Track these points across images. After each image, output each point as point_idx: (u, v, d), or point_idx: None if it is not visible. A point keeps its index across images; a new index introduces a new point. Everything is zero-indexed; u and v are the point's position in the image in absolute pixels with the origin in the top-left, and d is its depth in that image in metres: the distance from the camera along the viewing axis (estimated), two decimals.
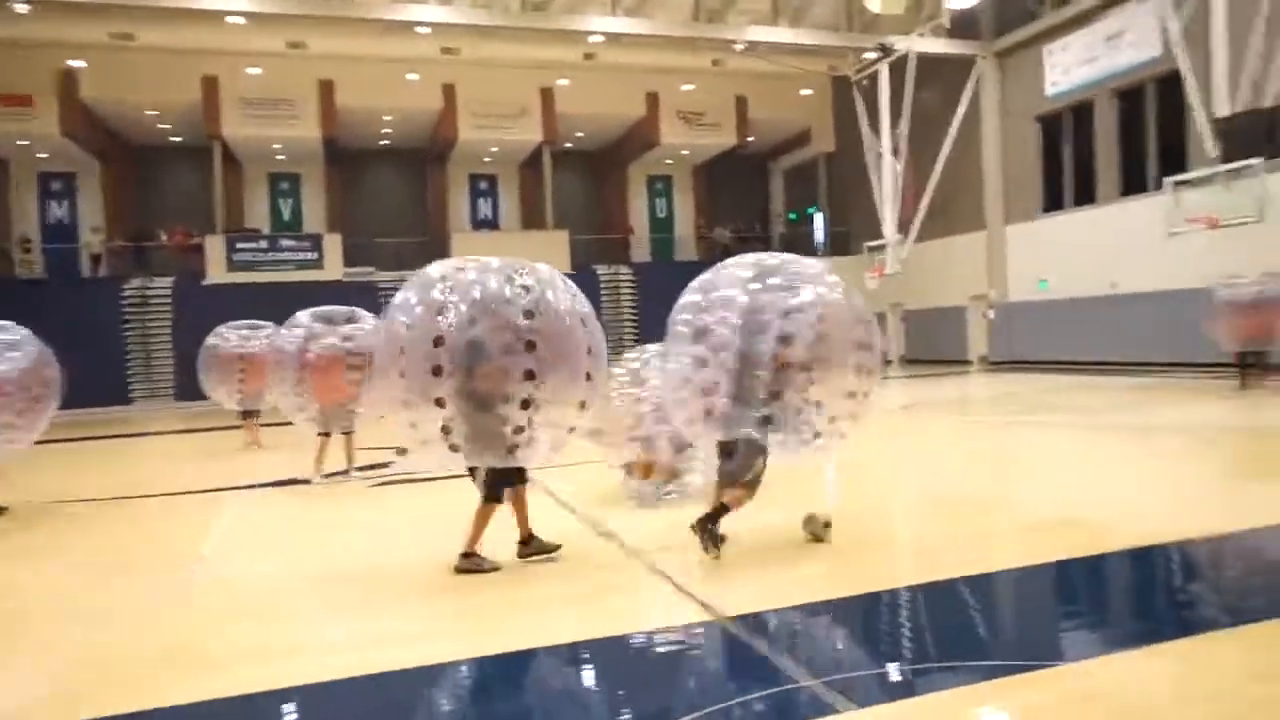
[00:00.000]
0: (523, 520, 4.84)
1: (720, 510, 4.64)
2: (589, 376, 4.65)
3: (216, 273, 22.76)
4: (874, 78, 21.66)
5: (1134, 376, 16.42)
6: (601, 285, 26.81)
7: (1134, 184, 18.52)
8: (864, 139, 22.01)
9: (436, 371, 4.34)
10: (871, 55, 21.44)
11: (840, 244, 28.33)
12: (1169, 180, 13.91)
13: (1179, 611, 3.92)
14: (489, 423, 4.44)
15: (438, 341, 4.37)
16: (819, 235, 30.42)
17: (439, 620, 4.06)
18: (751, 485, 4.71)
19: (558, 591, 4.35)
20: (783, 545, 4.96)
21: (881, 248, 20.97)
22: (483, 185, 29.48)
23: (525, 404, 4.41)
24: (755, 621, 3.72)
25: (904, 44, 20.42)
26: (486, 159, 28.12)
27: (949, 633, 3.71)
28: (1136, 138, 18.67)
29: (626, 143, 29.05)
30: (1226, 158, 12.61)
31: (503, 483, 4.69)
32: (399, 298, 4.67)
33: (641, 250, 29.80)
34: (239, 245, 23.30)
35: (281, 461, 9.65)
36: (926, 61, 21.41)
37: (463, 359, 4.35)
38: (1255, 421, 10.11)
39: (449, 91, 24.76)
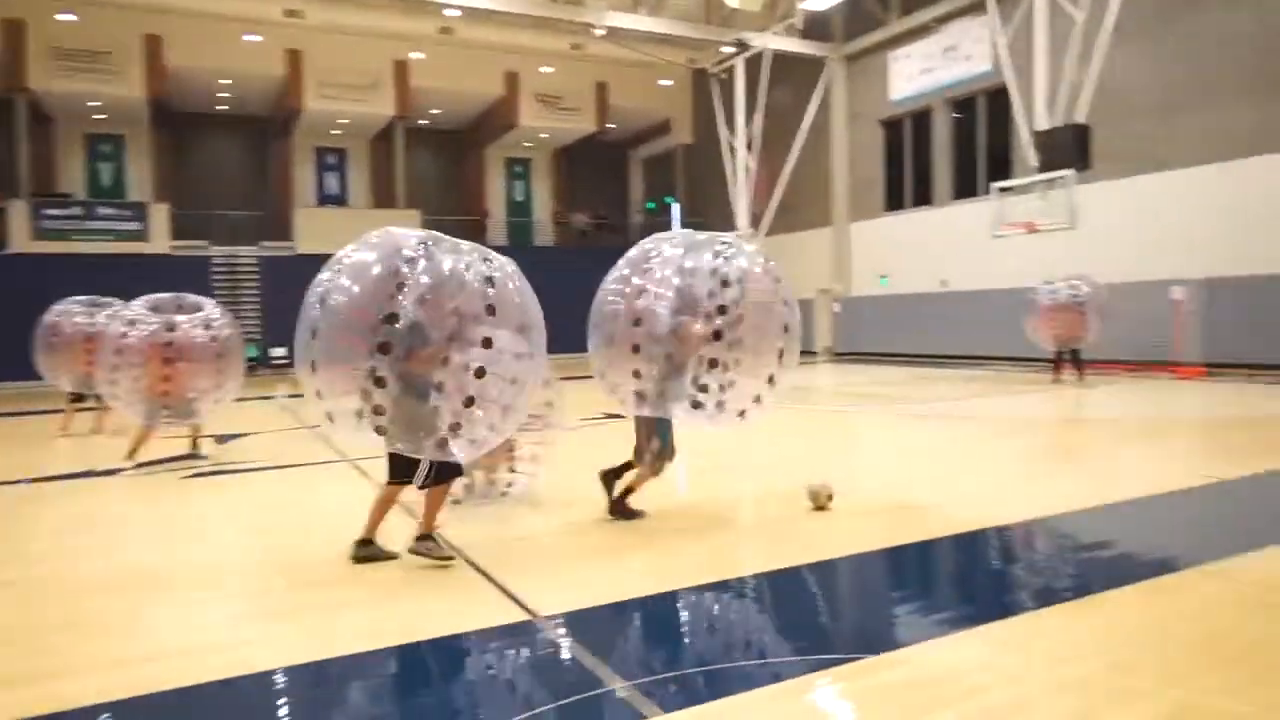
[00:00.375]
0: (430, 516, 4.50)
1: (626, 490, 5.15)
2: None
3: (20, 241, 20.58)
4: (730, 72, 22.05)
5: (963, 369, 17.51)
6: None
7: (965, 188, 19.71)
8: (720, 132, 22.36)
9: (383, 349, 4.00)
10: (729, 50, 21.80)
11: None
12: (995, 186, 14.83)
13: (993, 595, 4.08)
14: (421, 410, 4.14)
15: (391, 318, 4.02)
16: (676, 225, 30.83)
17: (258, 623, 3.73)
18: (654, 463, 5.09)
19: (362, 595, 4.08)
20: (610, 539, 4.88)
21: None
22: (330, 159, 28.05)
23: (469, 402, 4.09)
24: (570, 621, 3.62)
25: (759, 41, 20.87)
26: (335, 131, 26.77)
27: (769, 626, 3.73)
28: (969, 145, 19.86)
29: (485, 123, 28.38)
30: (1044, 168, 13.58)
31: (447, 472, 4.41)
32: (355, 258, 4.19)
33: (498, 233, 29.22)
34: (47, 211, 21.14)
35: (86, 450, 8.82)
36: (781, 60, 21.99)
37: (404, 339, 4.02)
38: (1069, 413, 10.93)
39: (294, 57, 23.36)
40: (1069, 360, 13.50)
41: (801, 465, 7.08)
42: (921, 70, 20.22)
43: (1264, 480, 6.16)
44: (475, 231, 28.17)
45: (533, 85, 26.34)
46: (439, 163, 29.88)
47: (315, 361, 4.10)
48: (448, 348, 4.07)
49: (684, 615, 3.85)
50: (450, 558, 4.45)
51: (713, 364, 4.95)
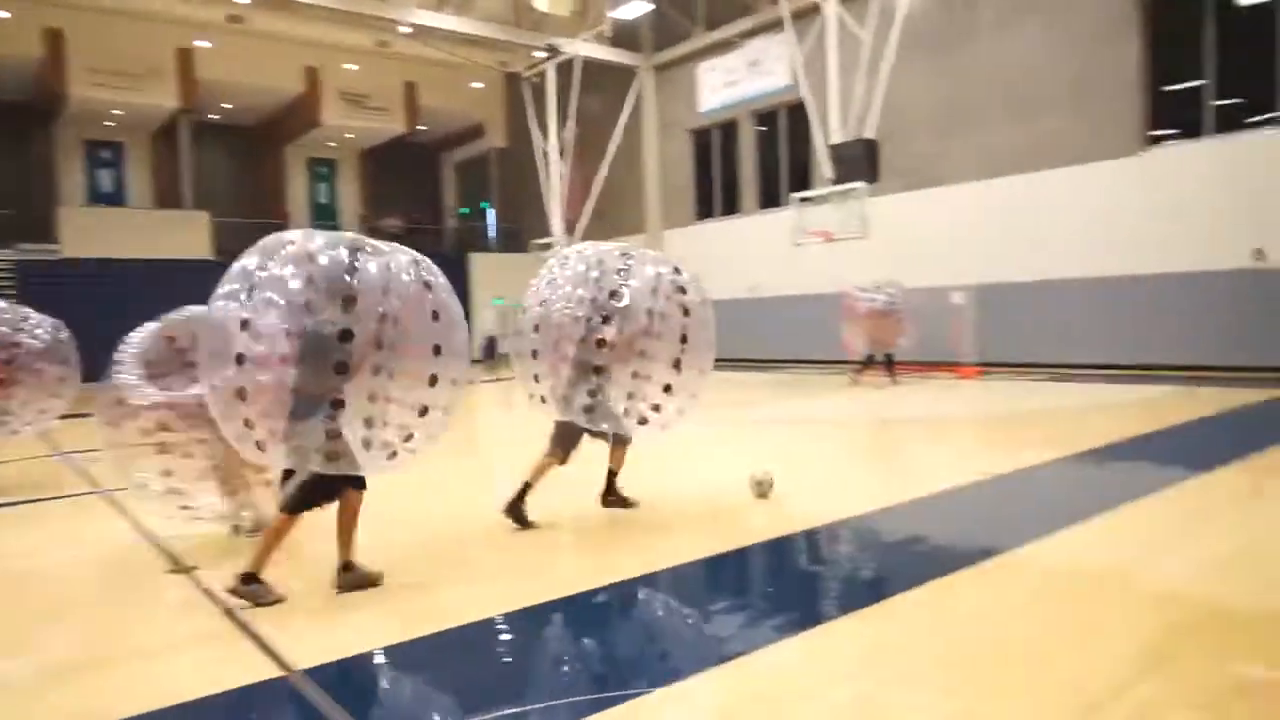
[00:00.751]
0: (345, 543, 4.17)
1: (524, 488, 5.28)
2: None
3: None
4: (543, 77, 21.85)
5: (770, 373, 18.16)
6: None
7: (770, 198, 20.52)
8: (534, 137, 22.11)
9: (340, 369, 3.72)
10: (541, 54, 21.59)
11: (512, 240, 28.38)
12: (795, 197, 15.47)
13: (786, 608, 4.03)
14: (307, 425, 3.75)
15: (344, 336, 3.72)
16: (491, 231, 30.28)
17: None
18: (555, 458, 5.32)
19: (81, 656, 3.51)
20: (392, 573, 4.51)
21: (548, 246, 21.18)
22: (104, 154, 25.36)
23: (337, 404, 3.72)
24: (330, 674, 3.24)
25: (570, 47, 20.80)
26: (108, 123, 24.21)
27: (562, 660, 3.51)
28: (772, 157, 20.70)
29: (284, 120, 26.67)
30: (838, 180, 14.31)
31: (320, 493, 3.97)
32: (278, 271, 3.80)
33: None
34: None
35: None
36: (595, 67, 22.05)
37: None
38: (877, 413, 11.49)
39: (53, 37, 20.91)
40: (882, 363, 14.31)
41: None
42: (727, 83, 20.88)
43: (1034, 472, 6.65)
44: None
45: (336, 82, 25.02)
46: (232, 161, 27.81)
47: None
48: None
49: (452, 660, 3.56)
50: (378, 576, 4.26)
51: (599, 371, 5.08)
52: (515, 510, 5.27)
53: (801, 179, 18.74)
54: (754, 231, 20.64)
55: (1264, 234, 12.95)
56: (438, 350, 3.89)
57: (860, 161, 13.91)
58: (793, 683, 3.05)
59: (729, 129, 21.60)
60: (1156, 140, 14.25)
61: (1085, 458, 7.19)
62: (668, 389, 5.16)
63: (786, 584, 4.45)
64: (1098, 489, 6.19)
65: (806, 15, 16.72)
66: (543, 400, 5.24)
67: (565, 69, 21.16)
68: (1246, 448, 7.10)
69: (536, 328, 5.13)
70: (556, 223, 21.14)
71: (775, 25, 18.64)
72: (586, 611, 3.95)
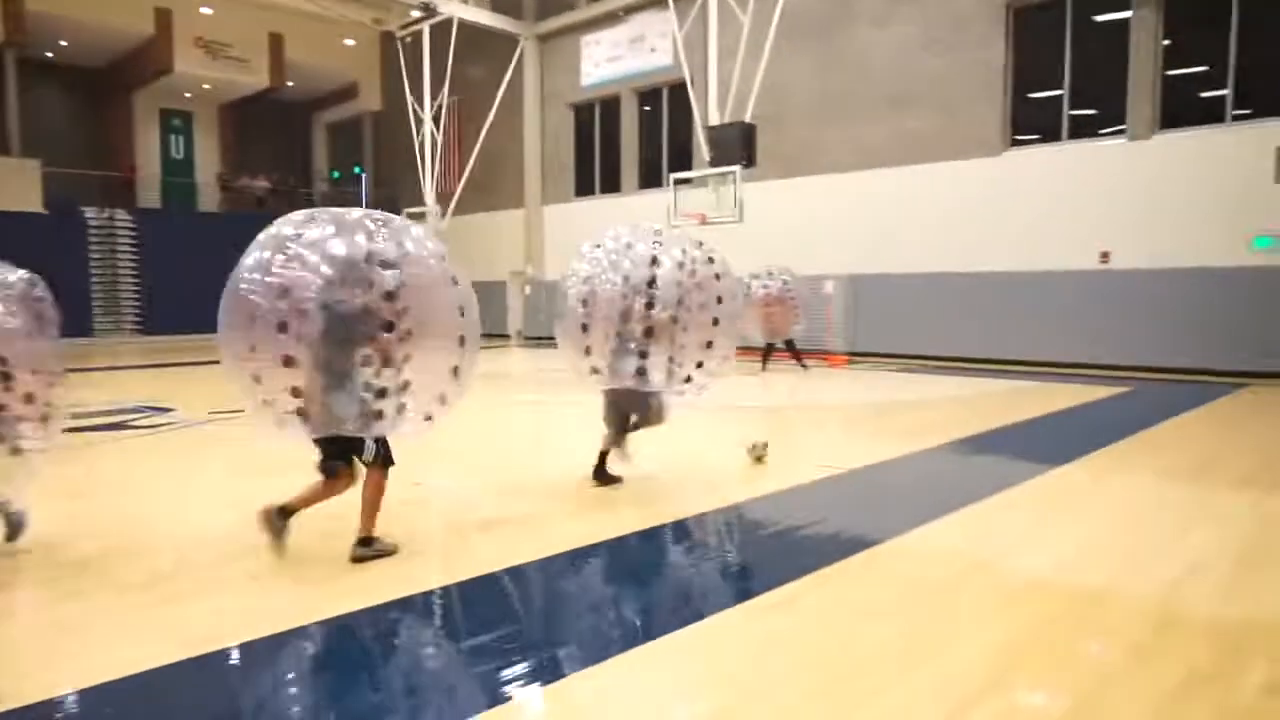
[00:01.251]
0: (369, 516, 4.26)
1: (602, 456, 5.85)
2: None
3: None
4: (418, 37, 20.79)
5: None
6: (91, 232, 22.33)
7: (651, 178, 20.26)
8: (408, 101, 21.04)
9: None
10: (416, 13, 20.52)
11: (387, 207, 26.75)
12: (672, 177, 15.24)
13: (617, 622, 3.73)
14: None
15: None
16: (364, 196, 28.86)
17: None
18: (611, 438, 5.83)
19: None
20: (163, 581, 3.95)
21: (420, 216, 20.27)
22: None
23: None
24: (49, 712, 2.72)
25: (447, 8, 19.86)
26: None
27: (353, 686, 3.08)
28: (654, 136, 20.42)
29: (131, 65, 24.52)
30: (714, 162, 14.14)
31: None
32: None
33: (150, 193, 25.46)
34: None
35: None
36: (477, 33, 21.19)
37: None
38: (794, 399, 11.39)
39: None
40: (785, 350, 14.38)
41: (504, 462, 6.51)
42: (610, 58, 20.45)
43: (897, 465, 6.61)
44: (121, 189, 24.33)
45: (191, 27, 23.14)
46: (70, 106, 25.42)
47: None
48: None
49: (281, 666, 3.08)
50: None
51: (647, 335, 5.45)
52: (601, 474, 5.83)
53: (683, 160, 18.53)
54: (634, 212, 20.28)
55: (1111, 237, 13.61)
56: (461, 341, 4.20)
57: (736, 145, 13.76)
58: (633, 702, 2.75)
59: (611, 105, 21.18)
60: (1017, 143, 14.75)
61: (945, 450, 7.24)
62: (709, 345, 5.59)
63: (634, 590, 4.14)
64: (959, 482, 6.19)
65: None
66: (594, 371, 5.63)
67: (442, 30, 20.20)
68: (1095, 443, 7.31)
69: (585, 302, 5.52)
70: (429, 192, 20.22)
71: (659, 1, 18.31)
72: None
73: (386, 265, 3.91)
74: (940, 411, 9.82)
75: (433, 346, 4.07)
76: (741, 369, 14.29)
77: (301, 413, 3.90)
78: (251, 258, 3.90)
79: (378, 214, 4.12)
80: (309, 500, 4.15)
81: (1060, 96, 14.28)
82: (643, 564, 4.52)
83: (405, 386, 3.98)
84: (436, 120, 20.28)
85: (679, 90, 18.46)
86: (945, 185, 15.32)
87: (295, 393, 3.86)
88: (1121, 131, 13.62)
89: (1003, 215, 14.67)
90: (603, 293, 5.47)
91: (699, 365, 5.61)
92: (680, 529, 4.93)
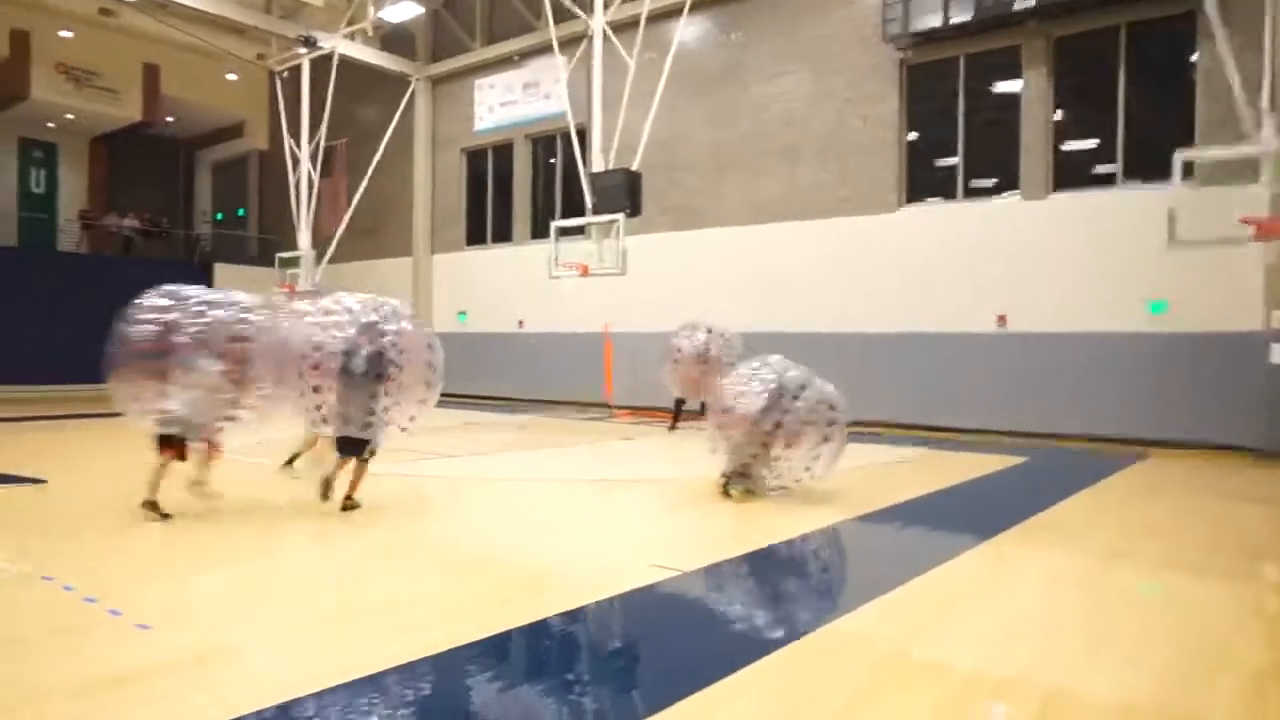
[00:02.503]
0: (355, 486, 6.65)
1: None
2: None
3: None
4: (298, 72, 19.55)
5: (535, 413, 16.68)
6: None
7: (543, 228, 19.20)
8: (286, 140, 19.68)
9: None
10: (301, 50, 19.31)
11: (270, 250, 25.37)
12: (554, 225, 14.27)
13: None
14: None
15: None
16: (247, 239, 27.15)
17: None
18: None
19: None
20: None
21: (293, 261, 18.81)
22: None
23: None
24: None
25: (330, 41, 18.71)
26: None
27: None
28: (548, 184, 19.49)
29: None
30: (597, 210, 13.22)
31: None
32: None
33: (5, 230, 23.25)
34: None
35: None
36: (368, 73, 20.12)
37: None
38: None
39: None
40: (691, 408, 13.07)
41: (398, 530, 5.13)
42: (504, 102, 19.56)
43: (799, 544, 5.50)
44: None
45: (51, 51, 21.37)
46: None
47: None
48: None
49: None
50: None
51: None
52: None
53: (577, 210, 17.57)
54: (527, 261, 19.22)
55: (1008, 299, 13.08)
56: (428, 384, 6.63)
57: (620, 192, 12.88)
58: None
59: (505, 151, 20.21)
60: (913, 199, 14.26)
61: (814, 541, 6.20)
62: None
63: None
64: (819, 586, 5.14)
65: (579, 39, 15.67)
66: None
67: (325, 68, 19.00)
68: (992, 527, 6.38)
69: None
70: (304, 236, 18.76)
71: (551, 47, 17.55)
72: None
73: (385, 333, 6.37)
74: (822, 485, 8.83)
75: (409, 384, 6.49)
76: (647, 430, 13.19)
77: (325, 419, 6.40)
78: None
79: (384, 304, 6.55)
80: (356, 482, 6.61)
81: (954, 161, 13.87)
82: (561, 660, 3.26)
83: (389, 409, 6.43)
84: (315, 160, 18.93)
85: (571, 138, 17.65)
86: (840, 241, 14.70)
87: (319, 407, 6.36)
88: (1016, 191, 13.22)
89: (898, 274, 14.07)
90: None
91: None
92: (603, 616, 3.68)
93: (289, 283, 18.82)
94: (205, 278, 24.80)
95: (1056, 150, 12.95)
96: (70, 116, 23.42)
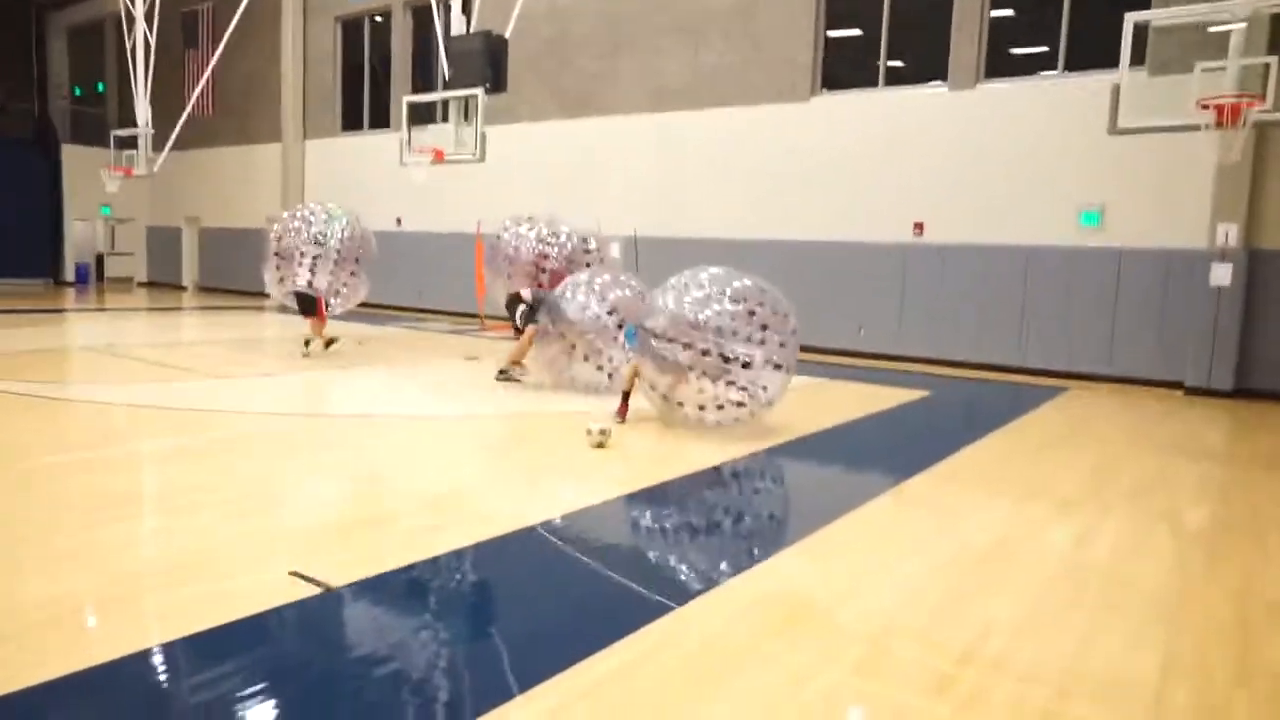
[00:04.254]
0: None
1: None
2: None
3: None
4: None
5: (408, 325, 14.74)
6: None
7: (426, 111, 16.84)
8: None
9: None
10: None
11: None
12: (405, 100, 12.05)
13: None
14: None
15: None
16: (112, 116, 24.01)
17: None
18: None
19: None
20: None
21: (131, 141, 16.19)
22: None
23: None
24: None
25: None
26: None
27: None
28: (429, 61, 16.99)
29: None
30: (452, 83, 11.03)
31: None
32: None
33: None
34: None
35: None
36: None
37: None
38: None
39: None
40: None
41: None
42: None
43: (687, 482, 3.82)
44: None
45: None
46: None
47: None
48: None
49: None
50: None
51: None
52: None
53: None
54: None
55: (927, 207, 11.39)
56: None
57: (478, 60, 10.68)
58: None
59: (384, 21, 17.59)
60: (828, 87, 12.33)
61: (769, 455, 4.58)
62: None
63: None
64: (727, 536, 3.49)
65: None
66: None
67: None
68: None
69: None
70: (141, 110, 16.04)
71: None
72: None
73: None
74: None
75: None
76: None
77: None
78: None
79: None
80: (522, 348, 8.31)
81: (874, 41, 11.91)
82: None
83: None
84: (150, 22, 16.07)
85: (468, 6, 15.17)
86: (745, 134, 12.77)
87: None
88: (942, 81, 11.38)
89: (808, 175, 12.25)
90: None
91: None
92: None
93: (124, 165, 16.25)
94: (48, 159, 21.95)
95: (991, 33, 11.08)
96: None
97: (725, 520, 4.63)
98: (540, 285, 9.21)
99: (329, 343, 10.29)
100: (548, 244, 9.80)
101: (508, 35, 11.38)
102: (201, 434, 5.93)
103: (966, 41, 11.08)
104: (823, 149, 12.12)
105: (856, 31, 12.22)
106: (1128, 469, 5.93)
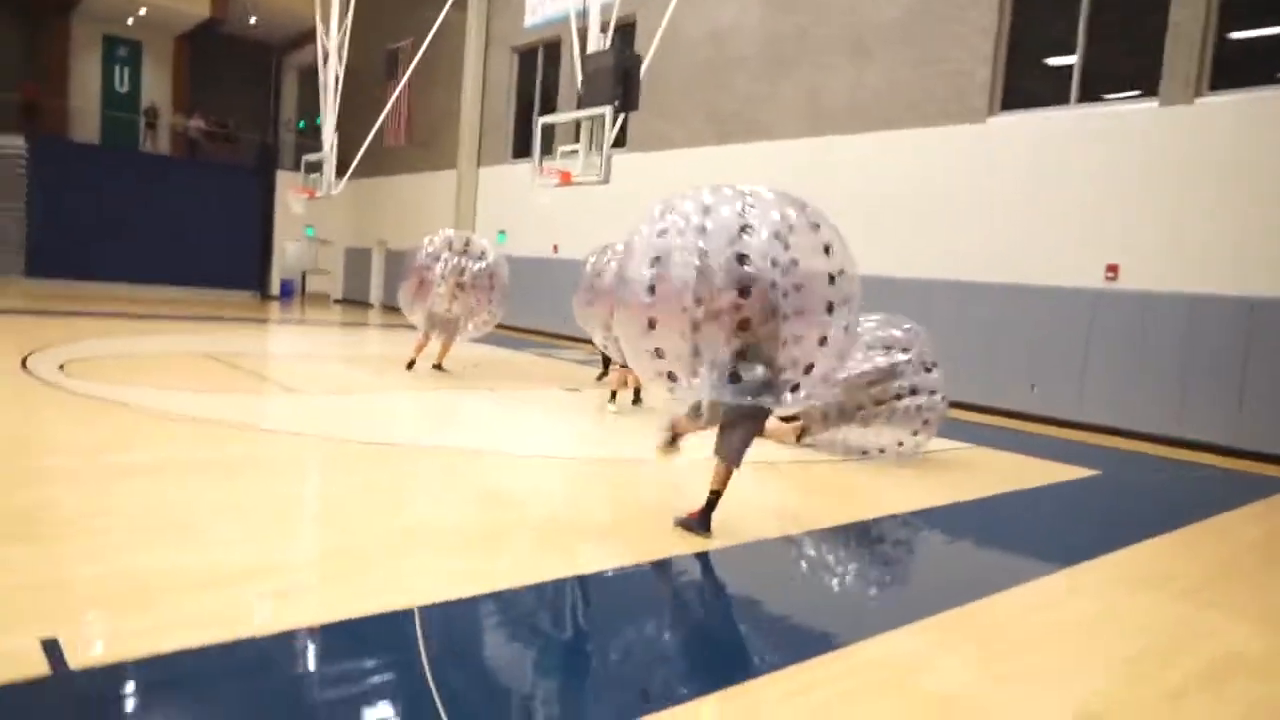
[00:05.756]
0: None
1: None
2: None
3: None
4: None
5: (550, 351, 14.45)
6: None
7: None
8: (318, 33, 17.87)
9: None
10: None
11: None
12: (539, 121, 11.70)
13: None
14: None
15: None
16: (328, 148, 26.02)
17: None
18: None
19: None
20: None
21: (316, 167, 17.16)
22: None
23: None
24: None
25: None
26: None
27: None
28: None
29: None
30: (583, 102, 10.51)
31: None
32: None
33: (88, 128, 23.15)
34: None
35: None
36: None
37: None
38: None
39: None
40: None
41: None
42: None
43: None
44: (44, 118, 21.91)
45: None
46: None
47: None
48: None
49: None
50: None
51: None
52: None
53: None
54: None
55: (1125, 245, 9.46)
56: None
57: (608, 78, 10.10)
58: None
59: (553, 49, 17.66)
60: (1008, 107, 10.66)
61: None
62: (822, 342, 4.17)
63: None
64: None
65: None
66: (671, 378, 4.28)
67: None
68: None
69: (653, 289, 4.15)
70: (328, 135, 16.99)
71: None
72: None
73: None
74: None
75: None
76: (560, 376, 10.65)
77: None
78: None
79: None
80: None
81: (1069, 58, 10.14)
82: None
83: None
84: (341, 54, 17.02)
85: (630, 31, 14.88)
86: (908, 160, 11.33)
87: None
88: (1151, 96, 9.43)
89: (979, 206, 10.61)
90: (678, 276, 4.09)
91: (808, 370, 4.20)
92: None
93: (308, 187, 17.26)
94: (265, 184, 23.87)
95: (1220, 35, 9.05)
96: (143, 12, 22.73)
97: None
98: None
99: (410, 364, 10.33)
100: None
101: (649, 55, 10.77)
102: (197, 450, 5.56)
103: (1187, 50, 9.10)
104: (999, 176, 10.46)
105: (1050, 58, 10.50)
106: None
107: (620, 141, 12.40)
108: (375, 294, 23.58)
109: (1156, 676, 3.17)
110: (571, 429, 7.85)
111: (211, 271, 22.27)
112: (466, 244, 10.52)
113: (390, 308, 22.37)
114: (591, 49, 10.95)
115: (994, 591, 3.96)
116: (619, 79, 10.13)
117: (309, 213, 20.64)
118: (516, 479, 5.75)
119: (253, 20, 24.17)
